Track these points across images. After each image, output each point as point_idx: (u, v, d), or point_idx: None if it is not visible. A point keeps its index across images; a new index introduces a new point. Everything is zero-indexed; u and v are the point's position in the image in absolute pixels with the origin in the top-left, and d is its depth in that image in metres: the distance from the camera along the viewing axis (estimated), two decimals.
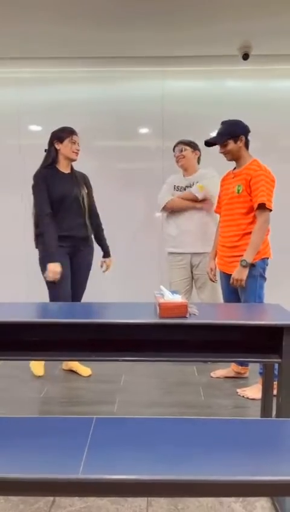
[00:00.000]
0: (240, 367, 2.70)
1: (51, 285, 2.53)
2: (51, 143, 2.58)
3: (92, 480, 1.07)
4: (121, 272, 3.63)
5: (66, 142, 2.55)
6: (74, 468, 1.09)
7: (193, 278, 2.96)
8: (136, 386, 2.61)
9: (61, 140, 2.55)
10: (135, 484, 1.09)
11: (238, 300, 2.47)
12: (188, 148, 2.90)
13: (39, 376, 2.72)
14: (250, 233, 2.32)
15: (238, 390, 2.53)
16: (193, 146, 2.92)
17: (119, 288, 3.54)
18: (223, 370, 2.74)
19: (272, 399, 2.00)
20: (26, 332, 1.89)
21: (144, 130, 3.65)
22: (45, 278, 2.53)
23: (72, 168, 2.65)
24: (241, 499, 1.61)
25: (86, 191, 2.64)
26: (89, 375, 2.75)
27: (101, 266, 2.83)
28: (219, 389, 2.56)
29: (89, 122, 3.56)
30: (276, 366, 1.88)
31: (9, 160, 3.63)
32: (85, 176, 2.72)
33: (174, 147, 2.97)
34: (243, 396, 2.46)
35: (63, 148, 2.56)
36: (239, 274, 2.29)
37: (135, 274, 3.63)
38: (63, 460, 1.13)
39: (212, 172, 2.90)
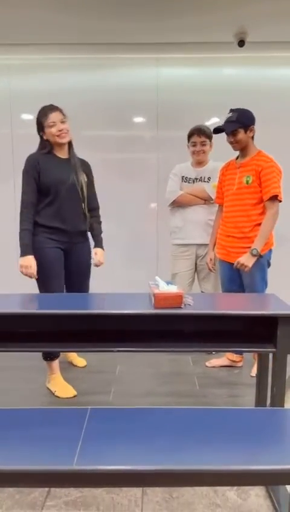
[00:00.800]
0: (235, 355, 2.72)
1: (40, 282, 2.30)
2: (38, 132, 2.32)
3: (87, 471, 1.07)
4: (116, 262, 3.61)
5: (46, 126, 2.25)
6: (69, 459, 1.09)
7: (196, 269, 2.94)
8: (132, 376, 2.62)
9: (42, 128, 2.27)
10: (129, 474, 1.09)
11: (238, 289, 2.48)
12: (208, 141, 2.78)
13: (74, 396, 2.36)
14: (260, 224, 2.34)
15: (206, 363, 2.76)
16: (211, 137, 2.78)
17: (114, 278, 3.53)
18: (218, 359, 2.76)
19: (267, 388, 2.01)
20: (20, 323, 1.88)
21: (138, 119, 3.60)
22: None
23: (70, 152, 2.36)
24: (235, 487, 1.63)
25: (86, 179, 2.37)
26: (84, 366, 2.75)
27: (92, 258, 2.49)
28: (214, 379, 2.58)
29: (82, 110, 3.51)
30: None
31: (1, 149, 3.58)
32: (86, 162, 2.46)
33: (192, 134, 2.79)
34: (212, 367, 2.72)
35: (46, 134, 2.27)
36: (248, 261, 2.30)
37: (130, 265, 3.62)
38: (57, 452, 1.13)
39: None
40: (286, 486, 1.60)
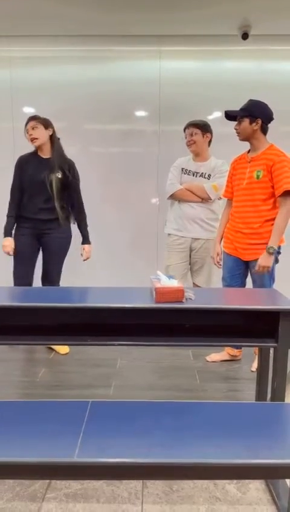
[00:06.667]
0: (235, 350, 2.72)
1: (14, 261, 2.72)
2: None
3: (88, 463, 1.07)
4: (117, 256, 3.61)
5: (25, 132, 2.66)
6: (70, 451, 1.09)
7: (190, 262, 2.95)
8: (132, 370, 2.62)
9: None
10: (130, 467, 1.09)
11: (239, 285, 2.48)
12: (198, 131, 2.80)
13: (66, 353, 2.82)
14: (270, 220, 2.31)
15: (207, 357, 2.76)
16: (204, 128, 2.82)
17: (115, 272, 3.53)
18: (218, 354, 2.76)
19: (268, 383, 2.01)
20: (20, 316, 1.88)
21: (140, 113, 3.58)
22: None
23: (53, 153, 2.67)
24: (235, 480, 1.64)
25: (60, 176, 2.63)
26: (66, 353, 2.83)
27: (81, 254, 2.80)
28: (215, 373, 2.58)
29: (83, 103, 3.49)
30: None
31: (2, 143, 3.56)
32: (70, 163, 2.70)
33: (185, 128, 2.86)
34: (213, 362, 2.73)
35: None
36: (266, 261, 2.28)
37: (131, 258, 3.62)
38: (58, 444, 1.13)
39: (225, 166, 2.83)
40: (286, 480, 1.61)
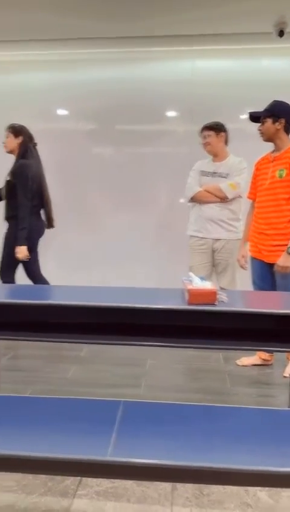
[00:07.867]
0: (267, 354, 2.67)
1: None
2: None
3: (120, 462, 1.08)
4: (148, 256, 3.62)
5: None
6: (103, 449, 1.10)
7: (213, 263, 2.93)
8: (162, 370, 2.62)
9: None
10: (161, 469, 1.09)
11: (270, 288, 2.42)
12: (211, 132, 2.84)
13: None
14: None
15: (237, 361, 2.70)
16: (217, 128, 2.84)
17: (146, 273, 3.54)
18: (250, 358, 2.71)
19: None
20: (53, 314, 1.91)
21: (172, 113, 3.57)
22: None
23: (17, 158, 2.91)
24: (267, 488, 1.60)
25: (9, 179, 2.85)
26: None
27: None
28: (246, 377, 2.54)
29: (117, 104, 3.52)
30: None
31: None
32: (16, 165, 2.86)
33: (200, 132, 2.91)
34: (244, 366, 2.67)
35: None
36: (285, 261, 2.24)
37: (161, 259, 3.62)
38: (92, 442, 1.14)
39: (243, 163, 2.83)
40: None
